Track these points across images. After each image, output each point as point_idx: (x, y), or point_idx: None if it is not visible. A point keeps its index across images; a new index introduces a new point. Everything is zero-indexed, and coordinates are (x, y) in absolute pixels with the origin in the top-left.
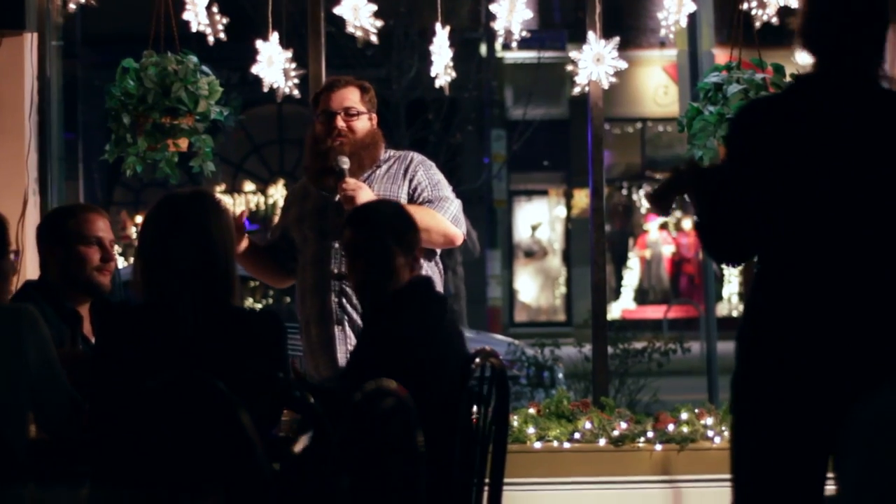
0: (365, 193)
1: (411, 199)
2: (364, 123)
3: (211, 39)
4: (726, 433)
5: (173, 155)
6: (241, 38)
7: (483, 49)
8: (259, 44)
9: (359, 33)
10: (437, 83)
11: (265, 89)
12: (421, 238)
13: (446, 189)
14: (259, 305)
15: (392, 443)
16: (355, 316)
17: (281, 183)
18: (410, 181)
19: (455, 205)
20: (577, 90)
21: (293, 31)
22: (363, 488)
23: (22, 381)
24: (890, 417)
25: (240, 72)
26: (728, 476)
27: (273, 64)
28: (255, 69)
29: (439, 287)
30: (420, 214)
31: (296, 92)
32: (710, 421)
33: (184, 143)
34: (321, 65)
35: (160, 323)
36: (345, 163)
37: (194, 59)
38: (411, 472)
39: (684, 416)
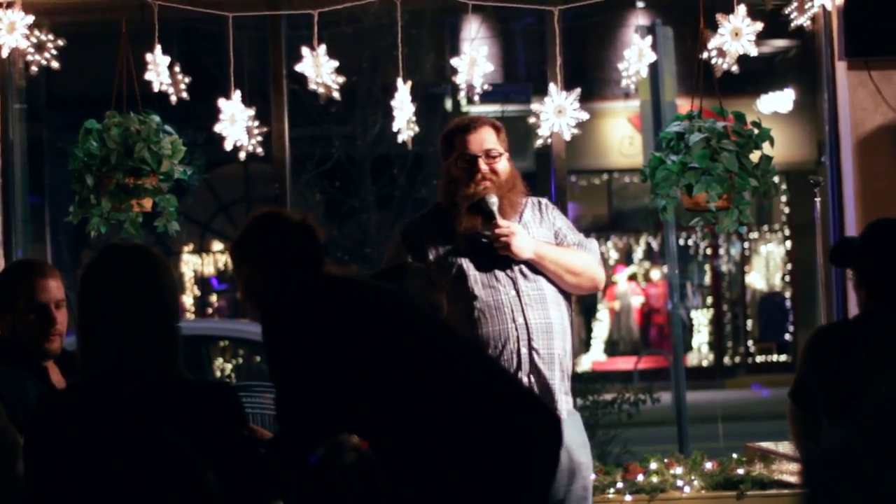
0: (520, 238)
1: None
2: (505, 164)
3: (174, 99)
4: (696, 482)
5: (137, 215)
6: (204, 97)
7: (448, 103)
8: (222, 102)
9: (321, 90)
10: (400, 138)
11: (228, 147)
12: (568, 282)
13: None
14: (229, 366)
15: (353, 497)
16: (539, 363)
17: None
18: (553, 227)
19: (597, 247)
20: (539, 142)
21: (256, 90)
22: None
23: None
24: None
25: (204, 131)
26: None
27: (236, 122)
28: (218, 128)
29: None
30: (576, 258)
31: (259, 150)
32: (679, 470)
33: (148, 204)
34: (284, 122)
35: (104, 405)
36: (493, 202)
37: (157, 118)
38: None
39: (653, 465)
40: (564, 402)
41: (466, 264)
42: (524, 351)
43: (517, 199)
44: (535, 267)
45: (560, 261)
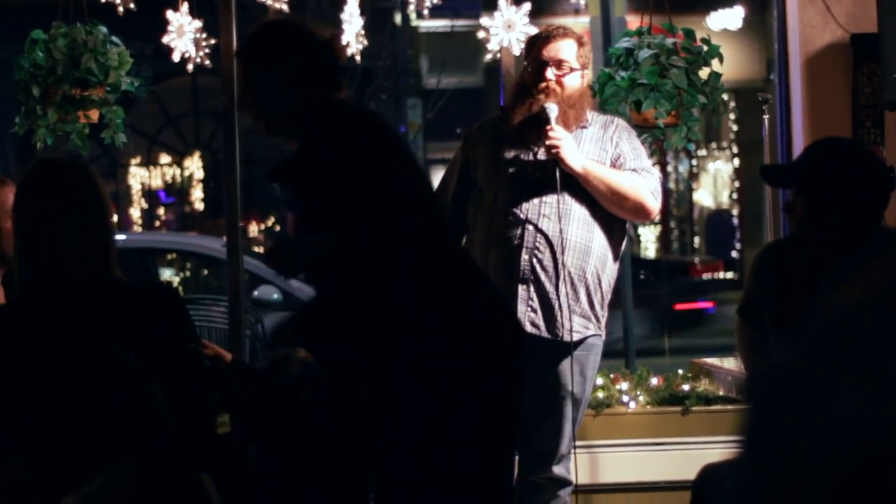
0: (569, 145)
1: (613, 168)
2: (574, 80)
3: (121, 10)
4: (641, 398)
5: (84, 126)
6: (152, 8)
7: (397, 17)
8: (169, 14)
9: (270, 2)
10: (349, 51)
11: (176, 59)
12: (611, 205)
13: (647, 160)
14: (177, 279)
15: (300, 410)
16: (541, 275)
17: (197, 155)
18: (614, 148)
19: (657, 177)
20: (488, 57)
21: (204, 1)
22: (270, 456)
23: None
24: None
25: (152, 43)
26: (644, 440)
27: (184, 34)
28: (165, 39)
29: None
30: (624, 182)
31: (207, 62)
32: (625, 386)
33: (94, 115)
34: (232, 35)
35: (43, 320)
36: (552, 110)
37: (104, 29)
38: (321, 440)
39: (599, 381)
40: (578, 324)
41: (503, 166)
42: (524, 257)
43: (580, 115)
44: (575, 184)
45: (606, 181)
